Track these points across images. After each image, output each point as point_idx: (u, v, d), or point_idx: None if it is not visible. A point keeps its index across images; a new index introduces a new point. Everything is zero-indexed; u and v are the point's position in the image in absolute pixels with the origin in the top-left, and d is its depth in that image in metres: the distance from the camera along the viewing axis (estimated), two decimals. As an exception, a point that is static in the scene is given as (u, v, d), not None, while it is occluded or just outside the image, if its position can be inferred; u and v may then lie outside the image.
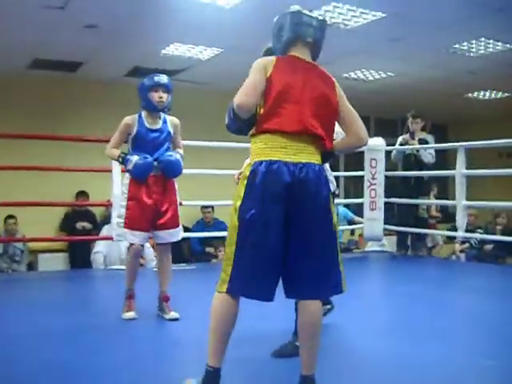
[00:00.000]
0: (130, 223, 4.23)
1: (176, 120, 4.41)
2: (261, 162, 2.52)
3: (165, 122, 4.33)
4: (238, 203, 2.54)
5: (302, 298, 2.62)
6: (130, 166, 4.14)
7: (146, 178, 4.16)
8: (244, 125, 2.65)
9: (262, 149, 2.56)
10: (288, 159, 2.51)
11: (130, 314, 4.20)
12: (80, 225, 8.78)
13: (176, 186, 4.38)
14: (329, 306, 3.89)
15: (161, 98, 4.20)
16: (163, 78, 4.27)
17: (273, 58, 2.66)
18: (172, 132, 4.34)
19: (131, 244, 4.28)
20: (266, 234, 2.49)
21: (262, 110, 2.58)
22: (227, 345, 2.56)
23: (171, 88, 4.31)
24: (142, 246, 4.38)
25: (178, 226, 4.36)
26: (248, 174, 2.54)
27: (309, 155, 2.57)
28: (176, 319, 4.13)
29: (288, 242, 2.53)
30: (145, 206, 4.20)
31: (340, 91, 2.75)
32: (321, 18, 2.79)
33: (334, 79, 2.75)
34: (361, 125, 2.76)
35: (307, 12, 2.74)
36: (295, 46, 2.72)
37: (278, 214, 2.49)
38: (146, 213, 4.21)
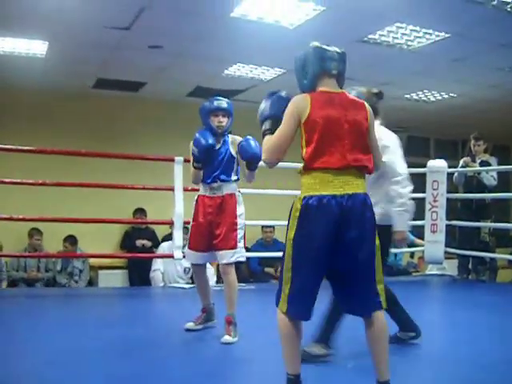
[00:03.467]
0: (189, 243, 4.44)
1: (239, 139, 4.37)
2: (311, 197, 2.72)
3: (226, 142, 4.38)
4: (292, 234, 2.77)
5: (354, 314, 2.91)
6: (195, 152, 4.24)
7: (208, 144, 4.19)
8: None
9: (312, 184, 2.75)
10: (336, 192, 2.71)
11: (189, 324, 4.44)
12: (140, 242, 8.86)
13: (239, 208, 4.35)
14: (413, 334, 3.95)
15: (220, 122, 4.31)
16: (223, 103, 4.35)
17: (307, 97, 2.80)
18: (233, 152, 4.37)
19: (192, 263, 4.51)
20: (317, 263, 2.74)
21: (307, 149, 2.75)
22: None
23: (232, 112, 4.39)
24: (202, 265, 4.51)
25: (230, 247, 4.27)
26: (300, 207, 2.75)
27: (355, 186, 2.76)
28: (228, 343, 4.04)
29: (338, 266, 2.77)
30: (200, 226, 4.33)
31: (371, 119, 2.92)
32: (340, 50, 2.91)
33: (366, 105, 2.91)
34: (379, 157, 3.03)
35: (327, 47, 2.88)
36: (322, 79, 2.86)
37: (327, 243, 2.71)
38: (201, 233, 4.34)
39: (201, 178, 4.37)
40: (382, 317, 2.82)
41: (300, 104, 2.78)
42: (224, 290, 4.35)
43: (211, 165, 4.30)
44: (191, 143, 4.29)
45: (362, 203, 2.75)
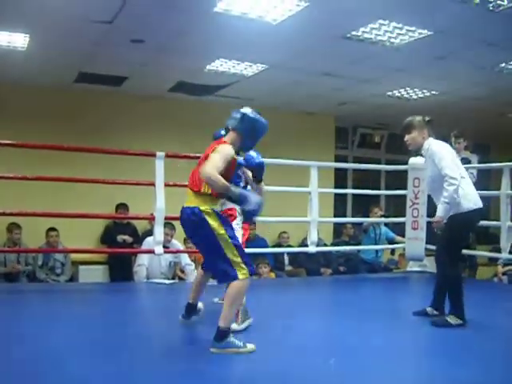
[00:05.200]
0: None
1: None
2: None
3: None
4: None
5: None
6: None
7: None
8: None
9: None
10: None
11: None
12: (121, 237, 8.84)
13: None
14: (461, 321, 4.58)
15: None
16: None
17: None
18: None
19: None
20: None
21: None
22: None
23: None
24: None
25: None
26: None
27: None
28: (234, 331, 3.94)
29: None
30: None
31: (217, 150, 3.71)
32: (242, 111, 3.83)
33: (220, 145, 3.75)
34: (204, 165, 3.66)
35: (238, 108, 3.87)
36: (228, 132, 3.91)
37: None
38: None
39: None
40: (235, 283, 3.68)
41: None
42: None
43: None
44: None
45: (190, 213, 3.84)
